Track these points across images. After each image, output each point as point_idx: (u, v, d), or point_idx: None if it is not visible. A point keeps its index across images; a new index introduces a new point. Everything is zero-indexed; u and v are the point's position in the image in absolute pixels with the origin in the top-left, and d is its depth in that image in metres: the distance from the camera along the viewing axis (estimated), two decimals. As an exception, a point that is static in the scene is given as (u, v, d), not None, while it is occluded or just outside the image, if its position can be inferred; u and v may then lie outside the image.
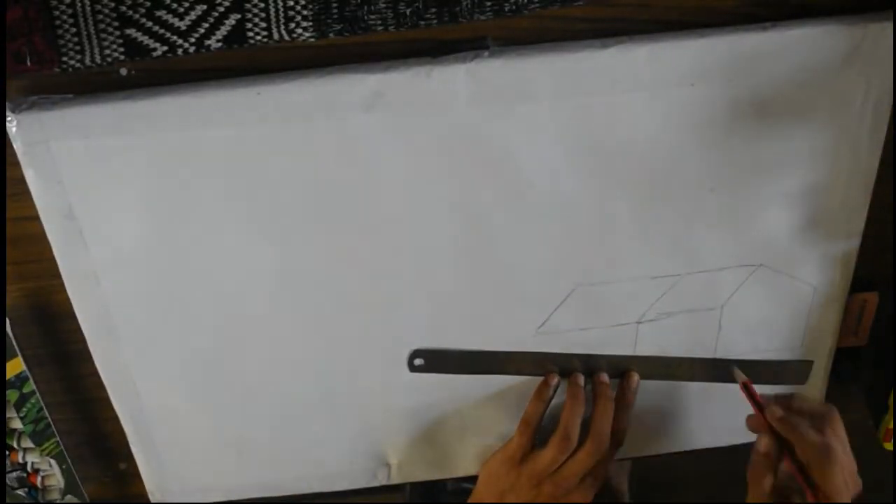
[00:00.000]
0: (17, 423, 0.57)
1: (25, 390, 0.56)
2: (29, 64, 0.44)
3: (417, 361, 0.56)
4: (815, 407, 0.55)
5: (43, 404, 0.57)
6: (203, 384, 0.56)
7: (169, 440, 0.58)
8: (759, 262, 0.55)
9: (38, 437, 0.58)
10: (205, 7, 0.44)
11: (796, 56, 0.48)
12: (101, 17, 0.44)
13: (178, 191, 0.49)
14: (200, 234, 0.50)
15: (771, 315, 0.58)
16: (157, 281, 0.52)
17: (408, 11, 0.45)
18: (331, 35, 0.45)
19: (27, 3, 0.43)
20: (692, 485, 0.82)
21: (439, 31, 0.47)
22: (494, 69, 0.46)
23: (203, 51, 0.45)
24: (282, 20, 0.45)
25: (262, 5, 0.44)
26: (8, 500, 0.60)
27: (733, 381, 0.58)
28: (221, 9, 0.44)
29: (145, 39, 0.44)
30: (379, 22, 0.45)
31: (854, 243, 0.55)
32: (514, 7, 0.45)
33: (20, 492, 0.60)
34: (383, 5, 0.45)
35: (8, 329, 0.54)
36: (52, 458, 0.59)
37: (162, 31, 0.44)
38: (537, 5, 0.45)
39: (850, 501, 0.48)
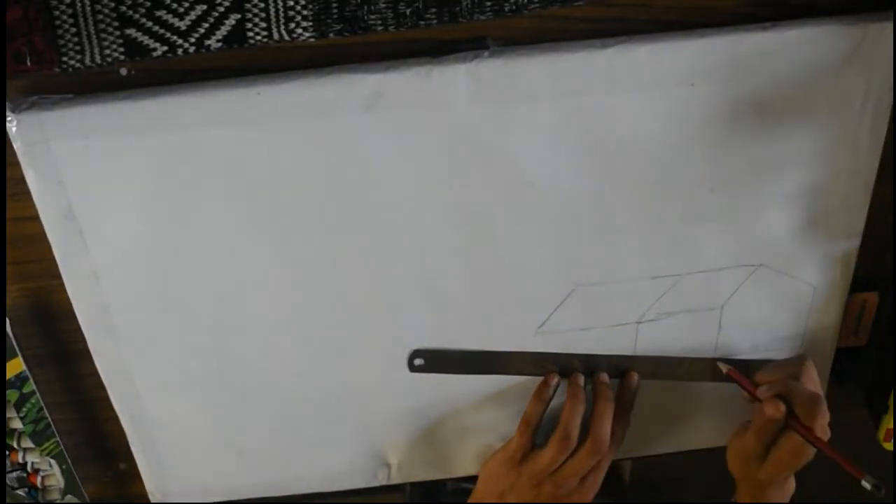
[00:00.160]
0: (17, 423, 0.57)
1: (25, 390, 0.56)
2: (29, 64, 0.44)
3: (417, 361, 0.56)
4: (791, 363, 0.56)
5: (43, 404, 0.57)
6: (203, 384, 0.56)
7: (169, 440, 0.58)
8: (759, 262, 0.55)
9: (38, 437, 0.58)
10: (205, 7, 0.44)
11: (796, 56, 0.48)
12: (101, 17, 0.44)
13: (178, 191, 0.49)
14: (200, 234, 0.50)
15: (771, 315, 0.58)
16: (157, 281, 0.52)
17: (408, 11, 0.45)
18: (331, 35, 0.45)
19: (27, 3, 0.43)
20: (692, 485, 0.82)
21: (439, 31, 0.47)
22: (494, 69, 0.46)
23: (203, 51, 0.45)
24: (282, 20, 0.45)
25: (262, 5, 0.44)
26: (8, 500, 0.60)
27: (731, 380, 0.58)
28: (221, 9, 0.44)
29: (145, 39, 0.44)
30: (379, 22, 0.45)
31: (854, 243, 0.55)
32: (514, 7, 0.45)
33: (20, 492, 0.60)
34: (383, 5, 0.45)
35: (8, 329, 0.54)
36: (52, 458, 0.59)
37: (162, 31, 0.44)
38: (537, 5, 0.45)
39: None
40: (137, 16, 0.44)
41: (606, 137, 0.49)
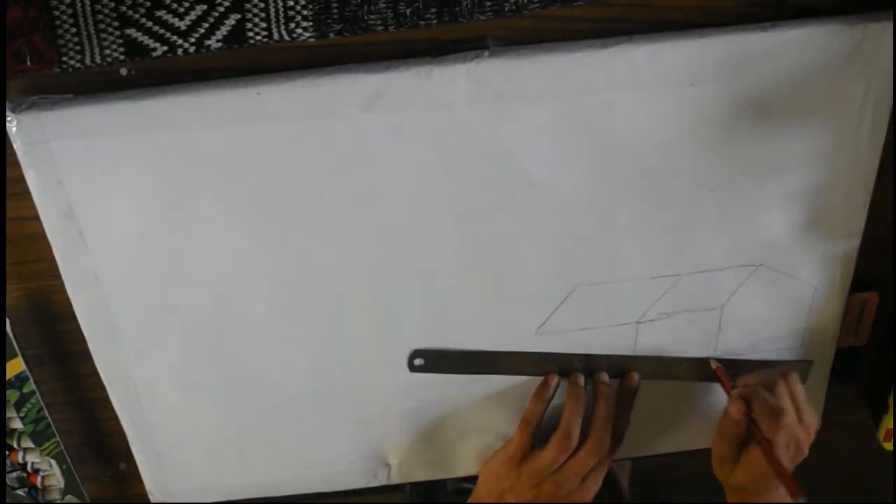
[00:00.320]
0: (17, 423, 0.57)
1: (25, 390, 0.56)
2: (29, 64, 0.44)
3: (417, 361, 0.56)
4: (771, 373, 0.56)
5: (43, 404, 0.57)
6: (203, 384, 0.56)
7: (169, 440, 0.58)
8: (759, 262, 0.55)
9: (38, 437, 0.58)
10: (205, 7, 0.44)
11: (796, 56, 0.48)
12: (101, 17, 0.44)
13: (178, 191, 0.49)
14: (200, 234, 0.50)
15: (771, 315, 0.58)
16: (157, 281, 0.52)
17: (408, 11, 0.45)
18: (331, 35, 0.45)
19: (27, 3, 0.43)
20: (692, 485, 0.82)
21: (439, 31, 0.47)
22: (494, 69, 0.46)
23: (203, 51, 0.45)
24: (282, 20, 0.45)
25: (262, 5, 0.44)
26: (8, 500, 0.60)
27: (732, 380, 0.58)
28: (221, 9, 0.44)
29: (145, 39, 0.44)
30: (379, 22, 0.45)
31: (854, 243, 0.55)
32: (514, 7, 0.45)
33: (20, 492, 0.60)
34: (383, 5, 0.45)
35: (8, 329, 0.54)
36: (52, 458, 0.59)
37: (162, 31, 0.44)
38: (537, 5, 0.45)
39: (787, 463, 0.53)
40: (137, 16, 0.44)
41: (606, 137, 0.49)
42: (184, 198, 0.49)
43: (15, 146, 0.46)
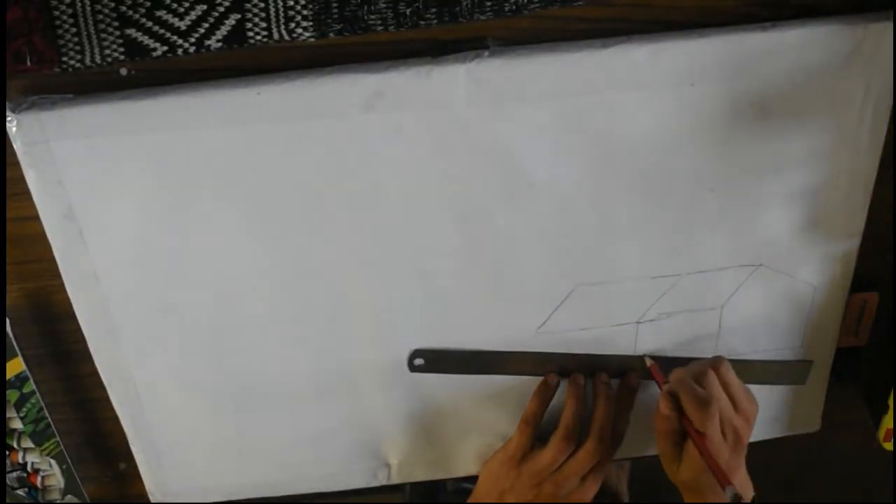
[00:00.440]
0: (17, 423, 0.57)
1: (25, 390, 0.56)
2: (29, 64, 0.44)
3: (417, 361, 0.56)
4: (699, 365, 0.54)
5: (43, 404, 0.57)
6: (203, 384, 0.56)
7: (169, 440, 0.58)
8: (759, 262, 0.55)
9: (38, 437, 0.58)
10: (205, 7, 0.44)
11: (796, 56, 0.48)
12: (101, 17, 0.44)
13: (178, 191, 0.49)
14: (200, 234, 0.50)
15: (771, 315, 0.58)
16: (157, 281, 0.52)
17: (408, 11, 0.45)
18: (331, 35, 0.45)
19: (27, 3, 0.43)
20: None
21: (439, 31, 0.47)
22: (494, 69, 0.46)
23: (203, 51, 0.45)
24: (282, 20, 0.45)
25: (262, 5, 0.44)
26: (8, 500, 0.60)
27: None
28: (221, 9, 0.44)
29: (145, 39, 0.44)
30: (379, 22, 0.45)
31: (854, 243, 0.55)
32: (514, 7, 0.45)
33: (20, 492, 0.60)
34: (383, 5, 0.45)
35: (8, 329, 0.54)
36: (52, 458, 0.59)
37: (162, 31, 0.44)
38: (537, 5, 0.45)
39: (726, 453, 0.52)
40: (137, 16, 0.44)
41: (606, 137, 0.49)
42: (184, 198, 0.49)
43: (15, 146, 0.46)
